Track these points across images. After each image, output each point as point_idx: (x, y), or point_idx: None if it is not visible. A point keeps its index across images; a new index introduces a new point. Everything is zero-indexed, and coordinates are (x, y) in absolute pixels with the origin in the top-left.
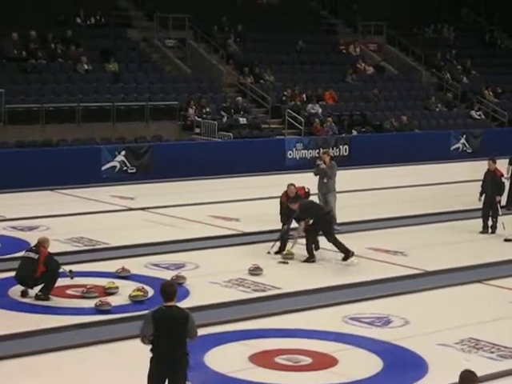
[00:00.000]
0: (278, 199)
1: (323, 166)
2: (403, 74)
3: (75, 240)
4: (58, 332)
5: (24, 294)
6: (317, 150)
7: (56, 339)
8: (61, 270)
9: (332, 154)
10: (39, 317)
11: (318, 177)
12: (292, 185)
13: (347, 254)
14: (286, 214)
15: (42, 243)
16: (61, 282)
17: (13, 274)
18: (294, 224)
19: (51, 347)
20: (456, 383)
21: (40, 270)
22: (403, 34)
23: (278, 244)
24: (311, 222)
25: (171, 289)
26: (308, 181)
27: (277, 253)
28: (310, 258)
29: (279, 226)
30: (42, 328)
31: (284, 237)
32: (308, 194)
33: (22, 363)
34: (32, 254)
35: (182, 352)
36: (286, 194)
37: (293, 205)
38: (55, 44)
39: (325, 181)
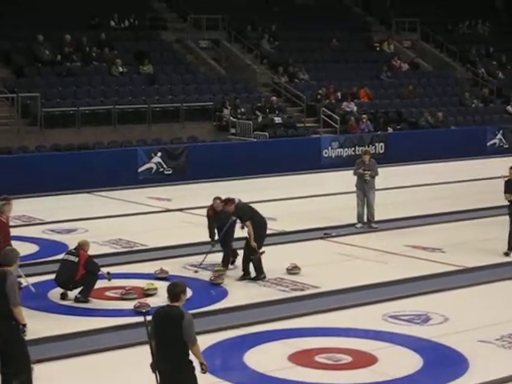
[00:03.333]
0: (206, 215)
1: (368, 177)
2: (438, 70)
3: (113, 242)
4: (97, 334)
5: (64, 296)
6: (352, 149)
7: (95, 341)
8: (99, 273)
9: (371, 152)
10: (78, 319)
11: (356, 176)
12: (218, 198)
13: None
14: (213, 228)
15: (82, 246)
16: (100, 283)
17: (52, 276)
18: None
19: (90, 349)
20: (498, 380)
21: (80, 273)
22: (437, 30)
23: (207, 260)
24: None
25: (176, 289)
26: (343, 179)
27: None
28: (246, 276)
29: (316, 224)
30: (82, 330)
31: (232, 251)
32: (236, 207)
33: (62, 365)
34: (72, 257)
35: (181, 356)
36: (212, 207)
37: (229, 206)
38: (90, 47)
39: (368, 179)
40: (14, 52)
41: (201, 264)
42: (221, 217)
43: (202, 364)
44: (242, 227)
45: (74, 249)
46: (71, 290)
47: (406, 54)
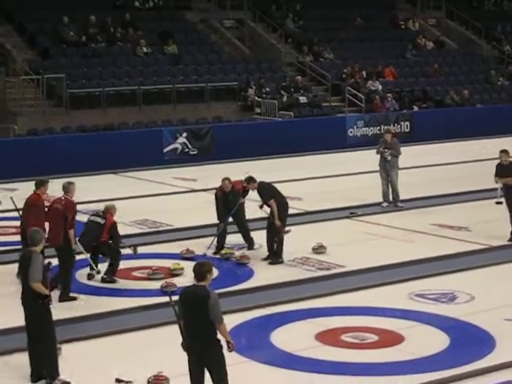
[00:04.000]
0: (216, 192)
1: (388, 156)
2: (463, 48)
3: (139, 222)
4: (124, 314)
5: (90, 277)
6: (378, 128)
7: (122, 321)
8: (126, 252)
9: (394, 131)
10: (105, 299)
11: (379, 155)
12: (227, 179)
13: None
14: (222, 210)
15: (109, 210)
16: (127, 263)
17: (79, 257)
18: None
19: (118, 329)
20: None
21: (104, 238)
22: (462, 7)
23: (215, 243)
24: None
25: (202, 269)
26: (369, 158)
27: (215, 253)
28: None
29: (342, 203)
30: (109, 310)
31: (221, 235)
32: (243, 187)
33: (89, 345)
34: (99, 219)
35: (208, 335)
36: (221, 188)
37: (251, 185)
38: (114, 28)
39: (388, 158)
40: (39, 34)
41: (209, 247)
42: (229, 198)
43: (228, 342)
44: (261, 206)
45: (102, 212)
46: (91, 253)
47: (431, 31)
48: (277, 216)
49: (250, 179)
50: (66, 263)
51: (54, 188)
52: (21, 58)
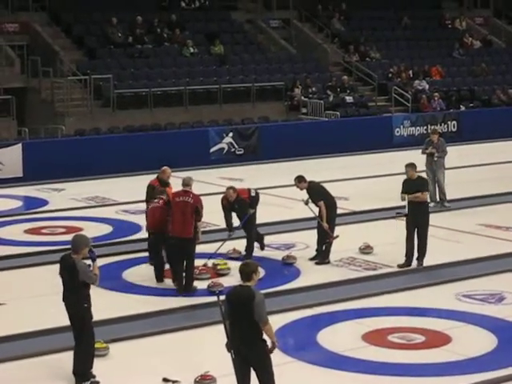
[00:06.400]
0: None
1: (436, 155)
2: (511, 47)
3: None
4: (171, 313)
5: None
6: (424, 127)
7: (169, 321)
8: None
9: (440, 131)
10: (152, 299)
11: (425, 155)
12: (231, 188)
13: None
14: (229, 218)
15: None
16: None
17: (126, 257)
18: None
19: (164, 329)
20: None
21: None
22: (510, 6)
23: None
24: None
25: (248, 269)
26: (415, 158)
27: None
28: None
29: (388, 203)
30: (155, 310)
31: (258, 236)
32: (250, 197)
33: (136, 345)
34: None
35: (254, 335)
36: (225, 197)
37: (301, 184)
38: (161, 29)
39: (435, 159)
40: (86, 35)
41: (215, 252)
42: (235, 207)
43: (272, 343)
44: (306, 203)
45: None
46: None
47: (478, 30)
48: (325, 218)
49: (301, 178)
50: (193, 254)
51: (102, 188)
52: (68, 59)
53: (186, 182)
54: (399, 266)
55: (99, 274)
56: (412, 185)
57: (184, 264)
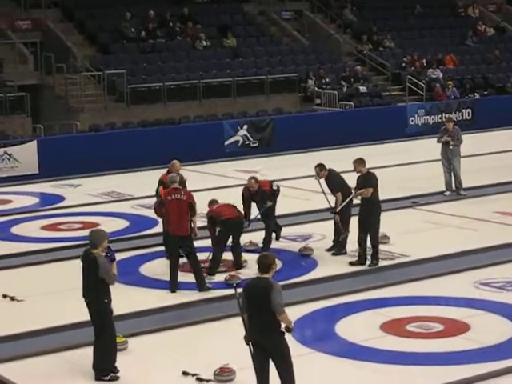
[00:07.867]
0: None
1: (452, 143)
2: None
3: (202, 215)
4: (187, 307)
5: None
6: (439, 116)
7: (186, 314)
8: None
9: (455, 119)
10: (170, 292)
11: (441, 143)
12: (253, 178)
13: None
14: (248, 209)
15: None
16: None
17: (142, 251)
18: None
19: (182, 322)
20: None
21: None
22: None
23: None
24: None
25: (266, 261)
26: (430, 147)
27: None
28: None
29: (404, 193)
30: (173, 304)
31: (276, 227)
32: (272, 190)
33: (154, 338)
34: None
35: (272, 326)
36: (247, 187)
37: (322, 173)
38: (173, 22)
39: (450, 147)
40: (99, 30)
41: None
42: (256, 198)
43: (287, 327)
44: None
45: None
46: None
47: (491, 18)
48: (339, 208)
49: (322, 167)
50: (195, 250)
51: (118, 183)
52: (82, 55)
53: (174, 179)
54: (351, 264)
55: (117, 273)
56: (361, 181)
57: (189, 263)
